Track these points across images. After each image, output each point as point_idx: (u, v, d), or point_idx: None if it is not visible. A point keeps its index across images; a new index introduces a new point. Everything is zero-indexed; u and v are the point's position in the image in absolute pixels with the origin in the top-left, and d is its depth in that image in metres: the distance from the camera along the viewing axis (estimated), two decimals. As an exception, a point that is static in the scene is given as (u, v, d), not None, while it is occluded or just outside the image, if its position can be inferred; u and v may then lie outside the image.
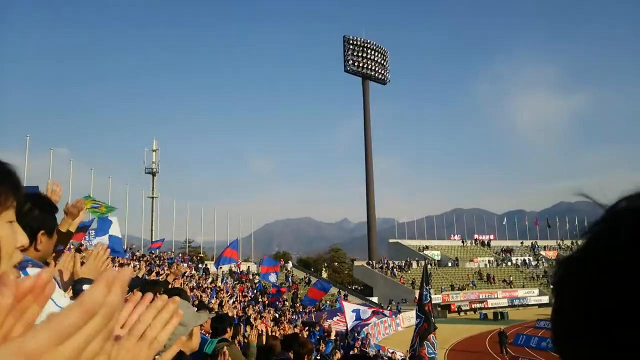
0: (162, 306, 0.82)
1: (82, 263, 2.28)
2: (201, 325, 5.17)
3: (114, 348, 0.70)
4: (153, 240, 40.25)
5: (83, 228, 14.95)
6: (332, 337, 5.67)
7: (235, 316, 12.45)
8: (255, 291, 27.97)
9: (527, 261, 59.12)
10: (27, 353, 0.44)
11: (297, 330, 12.78)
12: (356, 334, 11.30)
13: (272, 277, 21.63)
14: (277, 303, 22.93)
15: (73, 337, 0.47)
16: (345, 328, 11.20)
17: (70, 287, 2.25)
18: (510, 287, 51.41)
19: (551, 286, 0.58)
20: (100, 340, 0.50)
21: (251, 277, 37.28)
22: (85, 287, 2.12)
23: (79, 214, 2.87)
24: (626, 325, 0.46)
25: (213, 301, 16.07)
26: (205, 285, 24.31)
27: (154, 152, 51.97)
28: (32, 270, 1.83)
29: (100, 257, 2.25)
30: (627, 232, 0.48)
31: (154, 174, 50.95)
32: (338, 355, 8.15)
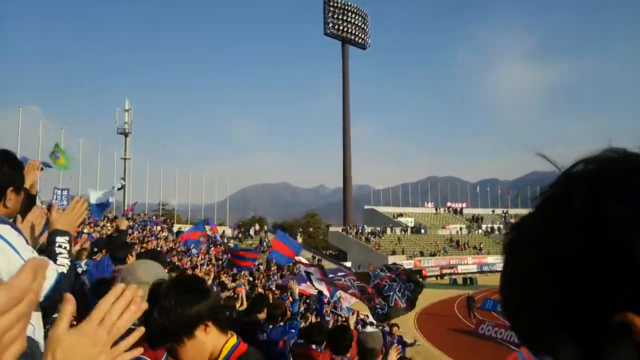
0: (120, 293, 0.82)
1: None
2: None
3: (74, 333, 0.71)
4: (126, 201, 39.65)
5: (102, 205, 14.28)
6: (296, 297, 5.80)
7: (209, 280, 12.46)
8: (228, 255, 28.00)
9: (497, 228, 60.77)
10: None
11: (271, 294, 12.85)
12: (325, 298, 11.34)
13: (194, 249, 20.03)
14: (252, 267, 22.98)
15: None
16: (316, 292, 11.23)
17: (44, 238, 2.19)
18: (480, 254, 52.92)
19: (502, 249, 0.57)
20: (21, 325, 0.50)
21: (225, 241, 37.28)
22: (58, 239, 2.11)
23: (34, 171, 2.86)
24: (571, 289, 0.46)
25: (186, 265, 16.00)
26: (180, 249, 24.22)
27: (126, 112, 50.47)
28: (1, 228, 1.76)
29: (77, 211, 2.22)
30: (578, 197, 0.48)
31: (126, 135, 49.65)
32: (312, 318, 8.22)
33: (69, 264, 2.08)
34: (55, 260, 2.04)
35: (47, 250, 2.11)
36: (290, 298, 5.88)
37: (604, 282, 0.44)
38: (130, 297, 0.82)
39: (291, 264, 22.12)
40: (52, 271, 1.87)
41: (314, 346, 4.51)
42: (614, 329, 0.44)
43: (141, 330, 0.91)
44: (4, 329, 0.47)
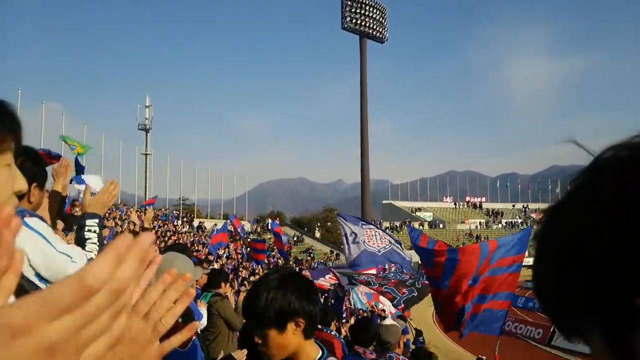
0: (170, 282, 0.70)
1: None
2: (196, 280, 5.22)
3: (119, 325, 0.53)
4: (147, 196, 40.26)
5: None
6: None
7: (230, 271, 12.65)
8: (248, 249, 28.26)
9: (517, 223, 60.01)
10: (12, 327, 0.39)
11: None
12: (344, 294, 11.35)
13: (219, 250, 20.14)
14: (263, 260, 23.17)
15: (69, 315, 0.41)
16: (334, 285, 11.26)
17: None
18: (500, 249, 52.39)
19: (533, 237, 0.58)
20: (107, 318, 0.44)
21: (245, 236, 37.65)
22: (88, 222, 2.14)
23: (66, 172, 2.87)
24: (599, 276, 0.47)
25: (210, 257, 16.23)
26: (200, 242, 24.55)
27: (147, 109, 51.24)
28: (30, 220, 1.85)
29: (110, 192, 2.23)
30: (608, 184, 0.47)
31: (147, 131, 50.40)
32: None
33: (98, 249, 2.08)
34: (84, 246, 2.08)
35: (77, 235, 2.14)
36: None
37: (630, 268, 0.44)
38: (182, 289, 0.70)
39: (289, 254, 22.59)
40: (81, 258, 1.89)
41: (325, 329, 4.55)
42: (638, 313, 0.44)
43: (195, 325, 0.83)
44: (79, 324, 0.41)
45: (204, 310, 5.08)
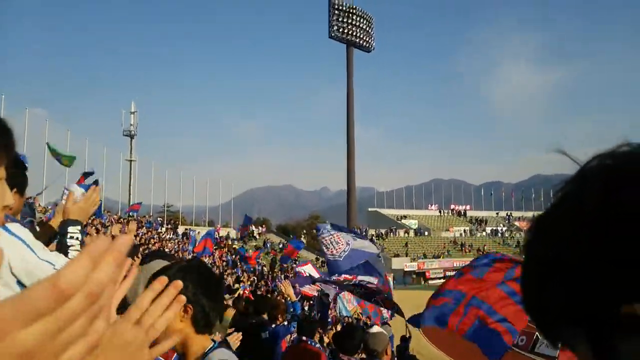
0: (160, 289, 0.72)
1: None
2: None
3: (107, 331, 0.55)
4: (130, 202, 39.81)
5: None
6: (293, 298, 5.66)
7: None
8: (233, 256, 28.09)
9: (500, 231, 60.59)
10: None
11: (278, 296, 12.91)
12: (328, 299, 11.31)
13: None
14: (253, 268, 23.09)
15: (43, 320, 0.39)
16: (319, 292, 11.23)
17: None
18: (484, 257, 52.79)
19: (522, 245, 0.58)
20: (84, 322, 0.43)
21: (229, 243, 37.39)
22: (70, 229, 2.10)
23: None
24: (582, 286, 0.47)
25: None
26: (184, 250, 24.32)
27: (132, 115, 50.79)
28: (11, 225, 1.82)
29: (92, 199, 2.21)
30: (592, 194, 0.47)
31: (132, 137, 49.92)
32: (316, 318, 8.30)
33: None
34: (66, 254, 2.04)
35: (59, 242, 2.10)
36: (289, 299, 5.79)
37: (612, 277, 0.44)
38: (173, 295, 0.73)
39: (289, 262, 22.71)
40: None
41: (309, 341, 4.54)
42: (623, 322, 0.44)
43: (174, 339, 0.86)
44: (53, 329, 0.40)
45: None
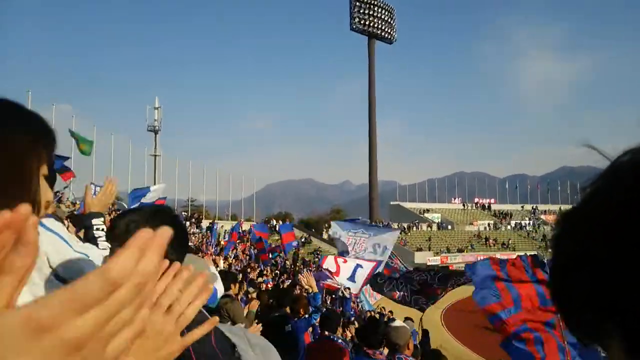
0: (190, 279, 0.74)
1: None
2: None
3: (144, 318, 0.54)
4: (160, 198, 40.48)
5: (65, 168, 14.92)
6: (315, 289, 5.62)
7: (239, 273, 12.71)
8: (256, 250, 28.35)
9: (526, 224, 59.60)
10: (38, 323, 0.39)
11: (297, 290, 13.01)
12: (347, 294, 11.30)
13: (294, 244, 20.98)
14: (272, 261, 23.26)
15: (94, 309, 0.42)
16: (340, 287, 11.25)
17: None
18: (509, 250, 52.06)
19: (550, 239, 0.57)
20: (130, 311, 0.45)
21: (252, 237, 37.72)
22: (94, 221, 2.16)
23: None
24: (611, 280, 0.47)
25: (217, 258, 16.31)
26: (208, 243, 24.65)
27: (156, 110, 51.49)
28: (46, 220, 1.89)
29: (111, 192, 2.28)
30: (626, 189, 0.47)
31: (156, 132, 50.66)
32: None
33: (110, 245, 2.14)
34: (97, 245, 2.09)
35: (87, 235, 2.15)
36: (310, 291, 5.76)
37: None
38: (202, 285, 0.75)
39: (294, 245, 22.83)
40: (98, 257, 1.89)
41: (338, 340, 4.58)
42: None
43: (215, 320, 0.87)
44: (104, 318, 0.42)
45: (219, 285, 5.14)
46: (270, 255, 23.19)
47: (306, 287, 5.81)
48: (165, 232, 0.48)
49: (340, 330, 5.40)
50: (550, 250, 0.57)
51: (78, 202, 20.05)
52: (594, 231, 0.49)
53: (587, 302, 0.50)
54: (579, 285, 0.51)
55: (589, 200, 0.52)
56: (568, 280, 0.53)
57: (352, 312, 11.34)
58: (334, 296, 12.74)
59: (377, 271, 9.73)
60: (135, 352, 0.69)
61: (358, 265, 10.37)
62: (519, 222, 60.42)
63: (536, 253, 5.28)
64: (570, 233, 0.53)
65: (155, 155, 48.92)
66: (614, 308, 0.47)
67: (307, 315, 5.27)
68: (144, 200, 12.88)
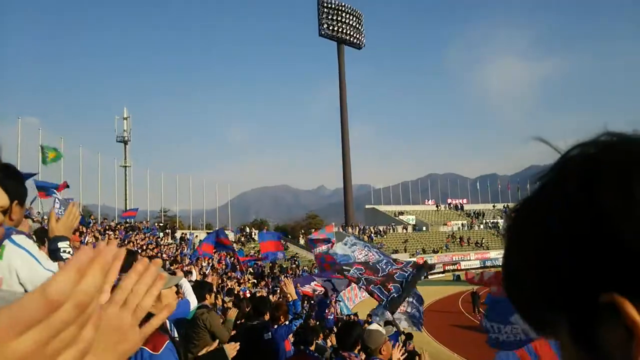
0: (143, 270, 0.74)
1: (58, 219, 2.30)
2: (177, 292, 5.17)
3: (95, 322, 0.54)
4: (127, 209, 39.66)
5: (43, 188, 14.74)
6: (294, 296, 5.61)
7: (215, 283, 12.54)
8: (232, 259, 28.08)
9: (498, 224, 60.79)
10: None
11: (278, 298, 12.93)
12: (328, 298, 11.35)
13: (279, 255, 19.79)
14: (250, 269, 23.06)
15: (33, 330, 0.41)
16: (323, 291, 11.26)
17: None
18: (482, 249, 52.97)
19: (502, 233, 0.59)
20: (73, 330, 0.45)
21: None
22: (60, 244, 2.18)
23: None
24: (562, 272, 0.48)
25: (193, 269, 16.07)
26: (182, 254, 24.27)
27: (125, 120, 50.60)
28: (17, 237, 1.85)
29: (74, 216, 2.29)
30: (573, 182, 0.48)
31: (125, 143, 49.75)
32: (310, 321, 8.33)
33: None
34: None
35: (53, 257, 2.16)
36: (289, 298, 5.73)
37: (591, 266, 0.45)
38: (155, 273, 0.74)
39: (280, 257, 22.06)
40: None
41: (307, 350, 4.58)
42: (601, 309, 0.45)
43: (172, 306, 0.87)
44: (43, 339, 0.42)
45: (192, 297, 5.06)
46: (248, 264, 22.95)
47: (287, 291, 5.77)
48: (108, 249, 0.49)
49: (321, 337, 5.39)
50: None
51: (45, 218, 19.51)
52: (543, 223, 0.50)
53: (536, 293, 0.51)
54: (528, 277, 0.51)
55: (539, 192, 0.53)
56: (518, 273, 0.54)
57: (332, 320, 11.31)
58: (312, 302, 12.71)
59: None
60: (95, 350, 0.65)
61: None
62: (491, 221, 61.60)
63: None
64: (520, 225, 0.54)
65: (126, 166, 48.02)
66: (561, 299, 0.48)
67: (287, 322, 5.24)
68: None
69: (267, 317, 5.43)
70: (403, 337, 10.74)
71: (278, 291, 15.20)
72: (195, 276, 13.38)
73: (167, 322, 2.98)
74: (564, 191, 0.49)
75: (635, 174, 0.46)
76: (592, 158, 0.49)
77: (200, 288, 5.51)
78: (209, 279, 13.63)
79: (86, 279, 0.45)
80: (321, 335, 5.66)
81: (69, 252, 2.17)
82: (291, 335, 5.27)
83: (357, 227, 54.37)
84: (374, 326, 4.50)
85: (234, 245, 38.37)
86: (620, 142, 0.50)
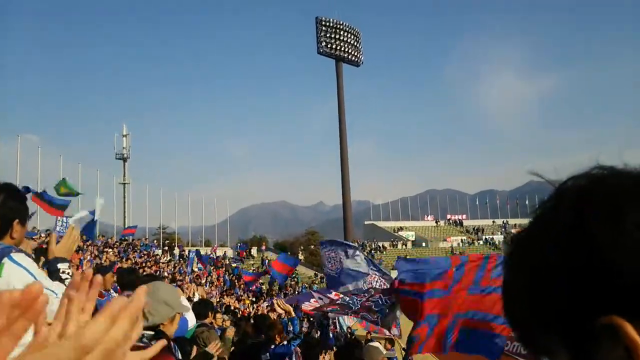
0: (74, 295, 0.64)
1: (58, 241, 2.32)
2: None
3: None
4: (126, 225, 39.56)
5: (62, 206, 14.66)
6: (292, 314, 5.49)
7: (214, 301, 12.45)
8: (231, 276, 27.98)
9: (498, 240, 60.65)
10: None
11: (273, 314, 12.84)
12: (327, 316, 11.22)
13: (282, 279, 19.76)
14: (251, 288, 22.84)
15: None
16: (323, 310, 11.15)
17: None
18: (482, 265, 52.70)
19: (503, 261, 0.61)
20: None
21: (227, 262, 37.18)
22: (60, 265, 2.20)
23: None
24: (559, 297, 0.50)
25: (190, 287, 15.98)
26: (182, 271, 24.16)
27: (124, 137, 50.85)
28: (16, 256, 1.88)
29: (73, 237, 2.32)
30: (567, 212, 0.52)
31: (125, 160, 49.90)
32: (316, 335, 8.25)
33: None
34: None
35: (53, 278, 2.16)
36: (285, 317, 5.60)
37: (587, 292, 0.48)
38: (86, 287, 0.65)
39: (287, 279, 21.77)
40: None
41: None
42: (600, 332, 0.47)
43: (162, 343, 0.83)
44: None
45: (190, 315, 5.02)
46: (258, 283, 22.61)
47: (280, 311, 5.67)
48: (139, 299, 0.51)
49: (322, 356, 5.34)
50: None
51: (44, 236, 19.45)
52: (540, 251, 0.53)
53: (535, 319, 0.54)
54: (527, 303, 0.54)
55: (536, 221, 0.56)
56: (517, 298, 0.56)
57: (331, 339, 11.23)
58: (312, 320, 12.60)
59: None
60: None
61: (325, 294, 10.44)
62: (490, 237, 61.46)
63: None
64: (518, 253, 0.57)
65: (125, 183, 48.06)
66: (559, 324, 0.51)
67: (285, 342, 5.20)
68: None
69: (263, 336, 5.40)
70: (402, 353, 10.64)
71: (273, 310, 15.03)
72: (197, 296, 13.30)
73: (170, 342, 2.98)
74: (558, 221, 0.52)
75: (625, 206, 0.49)
76: (585, 190, 0.53)
77: (204, 306, 5.51)
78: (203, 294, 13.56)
79: (117, 326, 0.48)
80: (322, 355, 5.60)
81: (68, 274, 2.19)
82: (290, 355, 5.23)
83: (356, 243, 54.15)
84: (374, 343, 4.50)
85: (233, 262, 38.23)
86: (611, 176, 0.53)
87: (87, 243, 19.25)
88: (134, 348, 0.67)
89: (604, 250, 0.48)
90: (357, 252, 10.65)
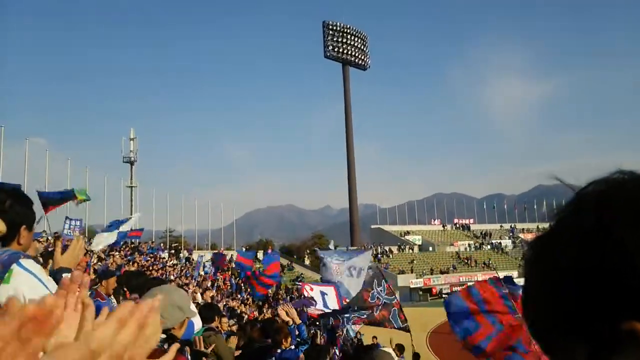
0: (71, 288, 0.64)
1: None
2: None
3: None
4: (133, 229, 39.70)
5: (66, 197, 14.57)
6: (297, 321, 5.40)
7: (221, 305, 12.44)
8: (237, 279, 27.90)
9: (505, 244, 60.24)
10: None
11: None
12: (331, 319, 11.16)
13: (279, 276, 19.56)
14: (265, 294, 22.60)
15: None
16: (326, 312, 11.09)
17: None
18: (490, 270, 52.39)
19: (520, 266, 0.63)
20: None
21: (233, 266, 37.11)
22: (64, 275, 2.13)
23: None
24: (582, 301, 0.51)
25: (196, 290, 15.99)
26: (188, 274, 24.16)
27: (131, 141, 51.10)
28: (25, 262, 1.87)
29: (79, 247, 2.30)
30: (589, 216, 0.52)
31: (132, 163, 50.16)
32: (321, 340, 8.20)
33: None
34: None
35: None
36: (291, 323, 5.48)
37: (610, 294, 0.48)
38: (75, 290, 0.65)
39: (278, 281, 21.65)
40: None
41: None
42: (622, 337, 0.48)
43: (176, 346, 0.86)
44: None
45: (196, 319, 5.00)
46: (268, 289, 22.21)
47: (286, 319, 5.56)
48: (147, 307, 0.52)
49: None
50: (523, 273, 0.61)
51: (50, 239, 19.53)
52: (561, 255, 0.53)
53: (555, 322, 0.54)
54: (547, 307, 0.55)
55: (556, 226, 0.57)
56: (537, 302, 0.57)
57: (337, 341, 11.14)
58: (317, 323, 12.53)
59: (354, 293, 9.77)
60: None
61: (323, 292, 10.43)
62: (498, 241, 61.05)
63: (503, 275, 5.90)
64: (539, 257, 0.58)
65: (132, 187, 48.28)
66: (579, 327, 0.51)
67: (292, 347, 5.16)
68: (121, 228, 12.79)
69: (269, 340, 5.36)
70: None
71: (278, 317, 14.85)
72: (200, 299, 13.31)
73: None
74: (580, 225, 0.52)
75: None
76: (606, 195, 0.53)
77: (210, 310, 5.48)
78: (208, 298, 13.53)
79: (124, 331, 0.49)
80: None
81: None
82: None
83: (363, 247, 54.01)
84: (385, 348, 4.45)
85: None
86: (631, 180, 0.54)
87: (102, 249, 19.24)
88: (155, 352, 0.68)
89: (626, 253, 0.48)
90: (327, 259, 10.87)
